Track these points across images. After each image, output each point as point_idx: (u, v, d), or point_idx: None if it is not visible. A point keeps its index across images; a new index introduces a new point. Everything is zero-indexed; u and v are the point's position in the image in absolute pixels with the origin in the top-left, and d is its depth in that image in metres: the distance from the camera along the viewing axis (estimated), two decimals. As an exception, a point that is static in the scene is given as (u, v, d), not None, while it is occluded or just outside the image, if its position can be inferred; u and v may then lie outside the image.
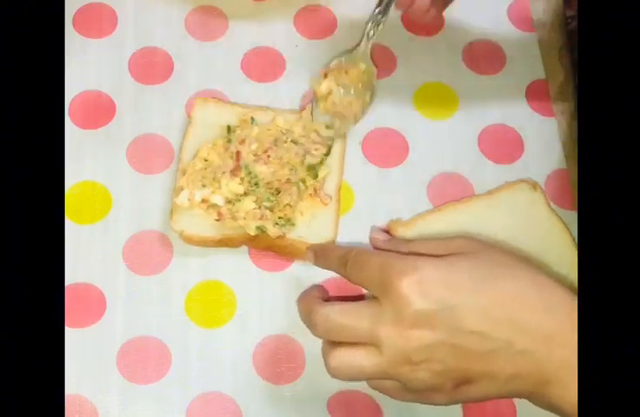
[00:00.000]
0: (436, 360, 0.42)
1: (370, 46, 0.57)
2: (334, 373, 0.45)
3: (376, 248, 0.53)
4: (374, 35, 0.57)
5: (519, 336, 0.41)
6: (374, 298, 0.44)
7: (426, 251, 0.47)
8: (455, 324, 0.42)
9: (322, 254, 0.51)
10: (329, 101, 0.56)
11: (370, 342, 0.43)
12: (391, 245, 0.51)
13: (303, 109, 0.59)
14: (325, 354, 0.45)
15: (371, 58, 0.58)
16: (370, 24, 0.57)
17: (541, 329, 0.42)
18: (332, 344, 0.45)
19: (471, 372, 0.42)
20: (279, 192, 0.53)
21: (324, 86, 0.56)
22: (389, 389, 0.46)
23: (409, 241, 0.51)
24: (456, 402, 0.45)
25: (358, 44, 0.58)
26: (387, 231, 0.55)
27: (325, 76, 0.57)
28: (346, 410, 0.51)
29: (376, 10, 0.56)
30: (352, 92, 0.56)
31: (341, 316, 0.44)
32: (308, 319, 0.46)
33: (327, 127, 0.56)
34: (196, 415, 0.50)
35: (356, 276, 0.46)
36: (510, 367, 0.42)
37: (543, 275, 0.44)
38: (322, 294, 0.51)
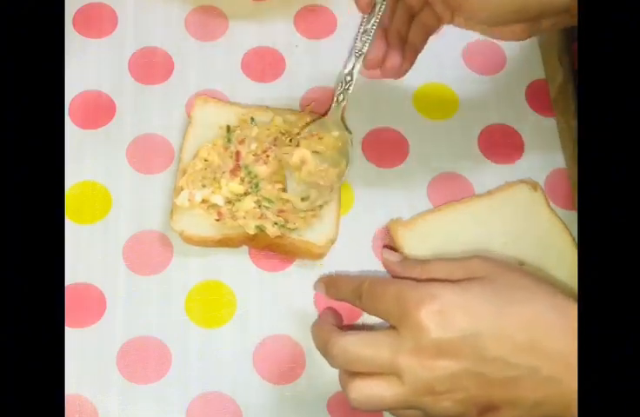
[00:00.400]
0: (459, 389, 0.41)
1: (340, 112, 0.55)
2: (355, 405, 0.44)
3: (388, 270, 0.52)
4: (344, 99, 0.55)
5: (543, 362, 0.41)
6: (392, 327, 0.43)
7: (441, 274, 0.46)
8: (477, 352, 0.41)
9: (333, 286, 0.50)
10: (303, 171, 0.54)
11: (390, 372, 0.42)
12: (405, 267, 0.50)
13: (303, 109, 0.59)
14: (344, 385, 0.44)
15: (344, 124, 0.56)
16: (339, 89, 0.55)
17: (563, 354, 0.41)
18: (351, 374, 0.44)
19: (496, 399, 0.42)
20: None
21: (297, 156, 0.54)
22: None
23: (422, 262, 0.50)
24: None
25: (328, 111, 0.56)
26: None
27: (297, 144, 0.55)
28: (346, 410, 0.51)
29: (345, 76, 0.54)
30: (327, 160, 0.55)
31: (360, 347, 0.43)
32: (324, 349, 0.45)
33: (302, 199, 0.53)
34: (196, 415, 0.50)
35: (371, 308, 0.46)
36: (535, 393, 0.41)
37: (561, 296, 0.44)
38: (336, 321, 0.51)
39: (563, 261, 0.54)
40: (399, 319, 0.43)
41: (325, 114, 0.56)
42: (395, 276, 0.51)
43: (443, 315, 0.42)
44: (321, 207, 0.54)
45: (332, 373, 0.51)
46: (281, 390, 0.51)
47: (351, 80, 0.55)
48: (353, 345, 0.44)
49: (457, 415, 0.43)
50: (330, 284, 0.51)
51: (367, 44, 0.52)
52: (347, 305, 0.53)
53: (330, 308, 0.53)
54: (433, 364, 0.41)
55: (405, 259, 0.52)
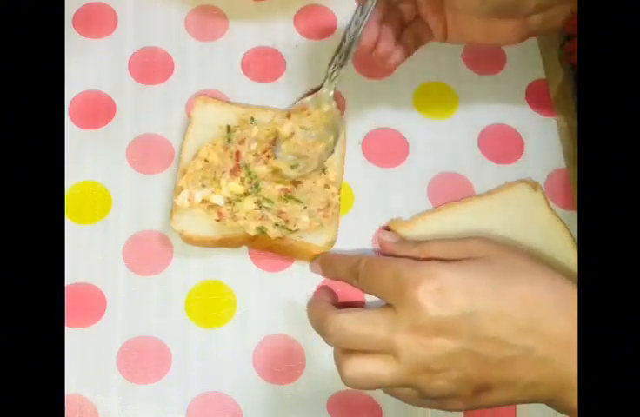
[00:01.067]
0: (455, 368, 0.42)
1: (333, 88, 0.56)
2: (349, 383, 0.44)
3: (385, 251, 0.52)
4: (336, 76, 0.55)
5: (539, 343, 0.41)
6: (388, 306, 0.43)
7: (439, 254, 0.46)
8: (475, 331, 0.41)
9: (329, 266, 0.51)
10: (291, 142, 0.55)
11: (386, 351, 0.42)
12: (402, 248, 0.50)
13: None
14: (339, 364, 0.44)
15: (335, 100, 0.56)
16: (332, 67, 0.56)
17: (561, 335, 0.41)
18: (346, 353, 0.44)
19: (491, 379, 0.42)
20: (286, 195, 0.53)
21: (287, 127, 0.55)
22: (404, 396, 0.45)
23: (420, 242, 0.49)
24: (473, 408, 0.44)
25: (321, 86, 0.56)
26: (391, 230, 0.55)
27: (288, 116, 0.56)
28: (346, 410, 0.51)
29: (337, 55, 0.55)
30: (315, 134, 0.55)
31: (356, 325, 0.43)
32: (321, 328, 0.45)
33: (291, 167, 0.54)
34: (196, 415, 0.50)
35: (369, 287, 0.46)
36: (530, 374, 0.41)
37: (560, 278, 0.44)
38: (332, 299, 0.51)
39: (563, 261, 0.54)
40: (397, 297, 0.43)
41: (318, 89, 0.56)
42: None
43: (442, 294, 0.42)
44: (325, 215, 0.54)
45: (332, 373, 0.51)
46: (281, 390, 0.51)
47: (345, 60, 0.55)
48: (349, 323, 0.43)
49: (452, 394, 0.43)
50: (326, 264, 0.51)
51: (358, 32, 0.53)
52: (347, 304, 0.53)
53: (324, 287, 0.53)
54: (430, 342, 0.41)
55: (402, 239, 0.52)
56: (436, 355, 0.41)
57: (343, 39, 0.55)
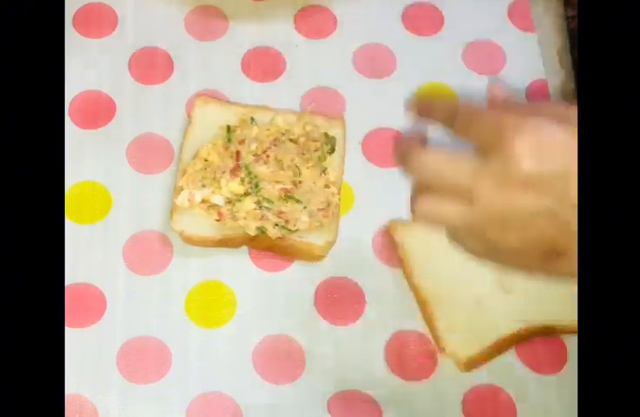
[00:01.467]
0: (532, 227, 0.39)
1: None
2: (416, 217, 0.42)
3: (492, 105, 0.47)
4: None
5: None
6: (480, 152, 0.41)
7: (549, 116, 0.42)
8: (564, 194, 0.39)
9: (426, 106, 0.46)
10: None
11: (464, 195, 0.40)
12: (509, 105, 0.46)
13: (304, 109, 0.59)
14: (413, 197, 0.43)
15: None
16: None
17: None
18: (423, 189, 0.42)
19: (564, 245, 0.39)
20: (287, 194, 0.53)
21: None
22: (469, 247, 0.43)
23: (532, 104, 0.46)
24: (535, 274, 0.42)
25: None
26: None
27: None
28: (346, 410, 0.51)
29: None
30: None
31: (442, 163, 0.41)
32: (404, 161, 0.43)
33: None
34: (196, 415, 0.50)
35: (464, 130, 0.42)
36: None
37: None
38: (422, 139, 0.46)
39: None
40: (492, 144, 0.40)
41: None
42: None
43: (542, 149, 0.39)
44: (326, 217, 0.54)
45: (332, 373, 0.52)
46: (281, 390, 0.51)
47: None
48: (436, 160, 0.42)
49: (518, 254, 0.41)
50: (424, 104, 0.47)
51: None
52: (346, 303, 0.53)
53: (416, 128, 0.47)
54: (514, 196, 0.39)
55: (513, 94, 0.47)
56: (516, 210, 0.39)
57: None
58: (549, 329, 0.52)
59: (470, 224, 0.41)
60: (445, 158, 0.42)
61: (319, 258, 0.54)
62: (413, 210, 0.43)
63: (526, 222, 0.39)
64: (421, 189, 0.43)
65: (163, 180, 0.57)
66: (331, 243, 0.54)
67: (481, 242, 0.42)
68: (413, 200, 0.43)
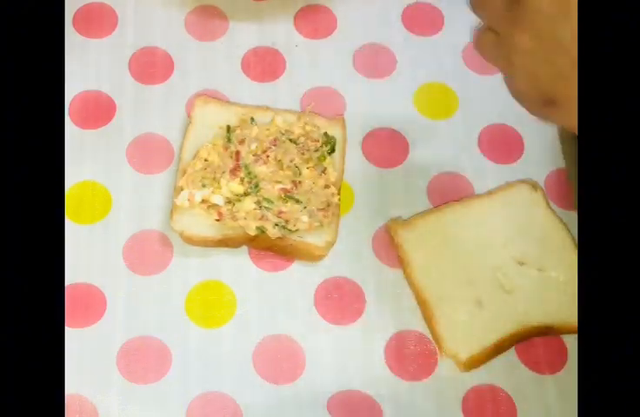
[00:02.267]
0: (530, 67, 0.42)
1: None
2: (478, 51, 0.45)
3: None
4: None
5: None
6: None
7: None
8: (559, 38, 0.40)
9: None
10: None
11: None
12: None
13: (303, 109, 0.59)
14: (475, 33, 0.45)
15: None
16: None
17: None
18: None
19: (560, 94, 0.41)
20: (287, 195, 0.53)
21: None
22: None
23: None
24: (536, 116, 0.45)
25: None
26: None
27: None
28: (346, 410, 0.51)
29: None
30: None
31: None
32: None
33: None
34: (196, 415, 0.50)
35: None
36: None
37: None
38: None
39: (563, 261, 0.54)
40: None
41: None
42: None
43: None
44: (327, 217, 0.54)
45: (332, 374, 0.52)
46: (281, 390, 0.51)
47: None
48: None
49: (523, 97, 0.44)
50: None
51: None
52: (346, 303, 0.53)
53: None
54: (512, 33, 0.41)
55: None
56: (515, 50, 0.41)
57: None
58: (549, 329, 0.52)
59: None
60: None
61: (319, 258, 0.54)
62: (474, 44, 0.45)
63: (523, 61, 0.42)
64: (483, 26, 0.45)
65: (163, 180, 0.57)
66: (331, 243, 0.54)
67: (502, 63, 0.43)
68: (475, 34, 0.45)
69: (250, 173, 0.54)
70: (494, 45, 0.44)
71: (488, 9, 0.44)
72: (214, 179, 0.54)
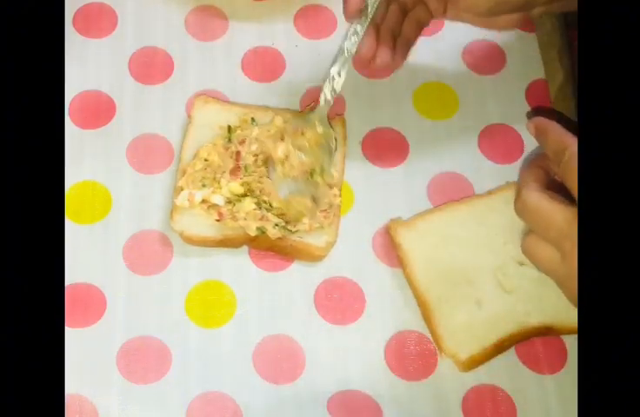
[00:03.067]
0: None
1: (327, 110, 0.55)
2: (522, 250, 0.47)
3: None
4: (332, 98, 0.54)
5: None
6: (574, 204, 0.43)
7: None
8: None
9: (542, 135, 0.48)
10: (286, 165, 0.54)
11: (556, 246, 0.44)
12: None
13: (303, 108, 0.59)
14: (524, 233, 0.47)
15: (328, 121, 0.55)
16: (326, 88, 0.54)
17: None
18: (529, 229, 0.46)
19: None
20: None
21: (281, 150, 0.54)
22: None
23: None
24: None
25: (314, 107, 0.55)
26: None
27: (282, 139, 0.55)
28: (346, 410, 0.51)
29: (333, 75, 0.54)
30: (309, 155, 0.54)
31: (535, 208, 0.45)
32: (516, 194, 0.47)
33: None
34: (196, 415, 0.50)
35: (565, 179, 0.44)
36: None
37: None
38: (541, 179, 0.48)
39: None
40: None
41: (312, 110, 0.56)
42: None
43: None
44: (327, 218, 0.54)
45: (332, 373, 0.52)
46: (281, 390, 0.51)
47: (339, 79, 0.54)
48: (531, 206, 0.45)
49: None
50: (540, 132, 0.49)
51: (356, 45, 0.52)
52: (346, 303, 0.53)
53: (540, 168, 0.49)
54: None
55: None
56: None
57: (341, 52, 0.54)
58: (549, 329, 0.52)
59: (561, 274, 0.44)
60: (540, 203, 0.45)
61: (319, 258, 0.54)
62: (522, 244, 0.47)
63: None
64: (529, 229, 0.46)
65: (163, 180, 0.57)
66: (331, 244, 0.54)
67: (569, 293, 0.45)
68: (523, 235, 0.47)
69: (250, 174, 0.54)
70: None
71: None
72: (214, 179, 0.54)
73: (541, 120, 0.49)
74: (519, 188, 0.47)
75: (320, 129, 0.55)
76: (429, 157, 0.59)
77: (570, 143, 0.45)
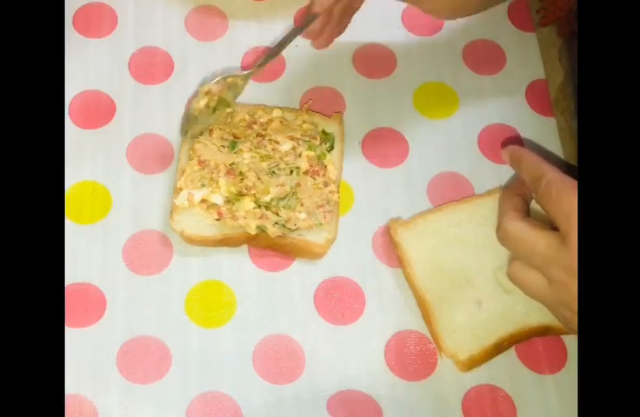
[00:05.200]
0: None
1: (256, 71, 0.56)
2: (509, 278, 0.48)
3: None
4: (265, 63, 0.56)
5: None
6: (557, 230, 0.44)
7: None
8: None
9: (517, 163, 0.49)
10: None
11: (542, 272, 0.44)
12: None
13: (301, 106, 0.59)
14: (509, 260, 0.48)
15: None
16: (269, 54, 0.55)
17: None
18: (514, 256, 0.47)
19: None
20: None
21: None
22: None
23: None
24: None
25: (252, 69, 0.56)
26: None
27: (206, 94, 0.55)
28: (346, 410, 0.51)
29: (278, 44, 0.55)
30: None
31: (517, 240, 0.45)
32: (498, 221, 0.48)
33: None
34: (196, 415, 0.50)
35: (544, 205, 0.45)
36: None
37: None
38: (520, 207, 0.49)
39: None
40: (567, 231, 0.43)
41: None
42: None
43: None
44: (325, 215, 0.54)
45: (332, 374, 0.52)
46: (281, 390, 0.51)
47: (281, 50, 0.56)
48: (513, 234, 0.46)
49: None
50: (515, 160, 0.50)
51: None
52: (346, 303, 0.53)
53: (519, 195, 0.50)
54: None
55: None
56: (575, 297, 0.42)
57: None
58: (548, 329, 0.52)
59: (549, 300, 0.45)
60: (523, 232, 0.45)
61: (319, 256, 0.54)
62: (507, 271, 0.48)
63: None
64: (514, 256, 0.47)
65: (163, 180, 0.57)
66: (331, 241, 0.54)
67: (562, 316, 0.46)
68: (509, 262, 0.47)
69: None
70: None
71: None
72: (212, 179, 0.54)
73: (515, 148, 0.50)
74: (499, 217, 0.48)
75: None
76: (429, 157, 0.59)
77: (546, 170, 0.46)
